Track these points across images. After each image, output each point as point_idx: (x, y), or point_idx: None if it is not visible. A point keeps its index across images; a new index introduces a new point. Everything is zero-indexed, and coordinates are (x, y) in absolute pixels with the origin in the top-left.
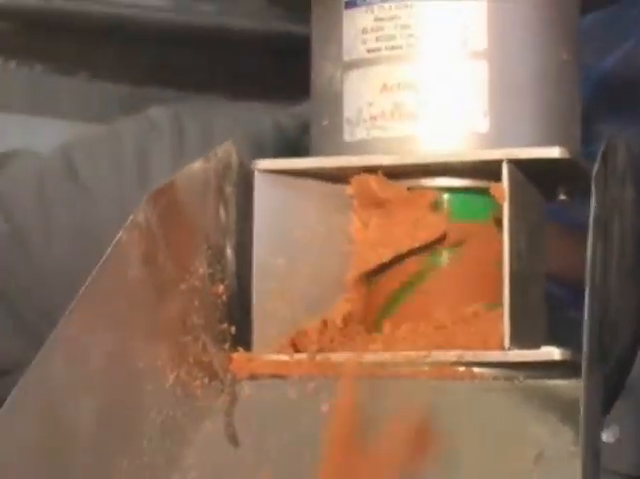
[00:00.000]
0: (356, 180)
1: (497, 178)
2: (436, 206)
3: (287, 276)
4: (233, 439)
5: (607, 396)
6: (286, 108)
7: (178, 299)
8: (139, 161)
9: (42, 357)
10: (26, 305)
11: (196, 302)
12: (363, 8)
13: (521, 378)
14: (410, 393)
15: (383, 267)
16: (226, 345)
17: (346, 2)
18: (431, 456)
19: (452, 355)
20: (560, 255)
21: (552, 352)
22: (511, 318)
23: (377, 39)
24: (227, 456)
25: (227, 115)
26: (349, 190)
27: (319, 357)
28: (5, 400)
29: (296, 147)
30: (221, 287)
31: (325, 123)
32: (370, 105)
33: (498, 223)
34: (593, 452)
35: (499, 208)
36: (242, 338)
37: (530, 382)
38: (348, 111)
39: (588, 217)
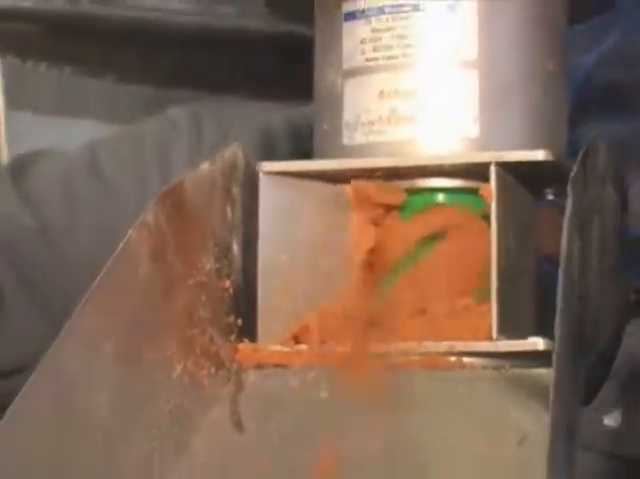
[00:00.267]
0: (353, 184)
1: (488, 179)
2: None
3: (290, 273)
4: (239, 425)
5: (590, 387)
6: (299, 108)
7: (186, 294)
8: (159, 159)
9: (56, 347)
10: (53, 296)
11: (204, 297)
12: (362, 20)
13: (508, 367)
14: (401, 383)
15: (379, 262)
16: (232, 337)
17: (345, 14)
18: (417, 442)
19: (443, 346)
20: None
21: (538, 343)
22: (499, 311)
23: (374, 49)
24: (233, 442)
25: (242, 114)
26: (348, 192)
27: (319, 348)
28: None
29: (308, 144)
30: (228, 282)
31: (326, 127)
32: (368, 111)
33: (489, 221)
34: (566, 436)
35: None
36: (248, 330)
37: (517, 371)
38: (347, 116)
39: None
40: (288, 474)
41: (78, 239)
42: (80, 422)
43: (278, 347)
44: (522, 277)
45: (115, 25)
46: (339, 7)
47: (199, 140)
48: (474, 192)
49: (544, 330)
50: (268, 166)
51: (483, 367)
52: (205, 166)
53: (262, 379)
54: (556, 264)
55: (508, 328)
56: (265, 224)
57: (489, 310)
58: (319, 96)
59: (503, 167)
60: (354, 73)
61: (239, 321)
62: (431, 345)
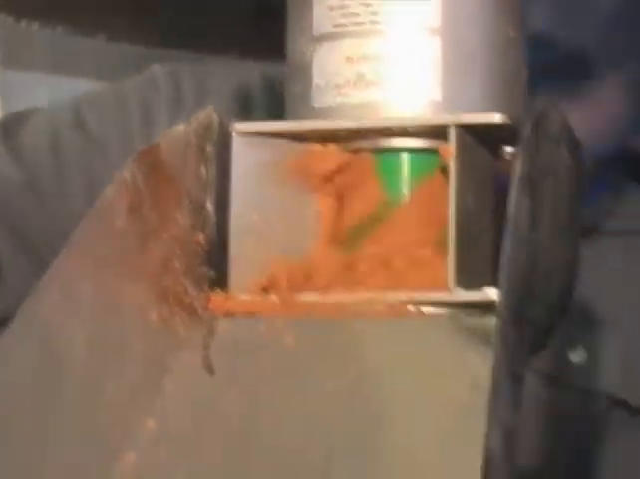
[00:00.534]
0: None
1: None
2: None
3: (261, 229)
4: (210, 369)
5: (541, 335)
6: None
7: (161, 246)
8: (141, 112)
9: (38, 292)
10: (43, 246)
11: (178, 249)
12: None
13: (463, 317)
14: (362, 332)
15: (344, 217)
16: (206, 287)
17: None
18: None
19: (403, 296)
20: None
21: (491, 294)
22: (456, 264)
23: (343, 15)
24: (204, 384)
25: (220, 71)
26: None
27: (285, 299)
28: None
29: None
30: (201, 236)
31: (297, 89)
32: (336, 74)
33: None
34: (512, 378)
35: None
36: (220, 282)
37: (471, 320)
38: (317, 79)
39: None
40: (256, 413)
41: (66, 190)
42: (60, 360)
43: (248, 297)
44: (480, 233)
45: None
46: None
47: (179, 95)
48: (435, 151)
49: None
50: (241, 126)
51: (440, 316)
52: (181, 126)
53: (232, 327)
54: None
55: (465, 281)
56: (238, 181)
57: (447, 264)
58: (291, 60)
59: (463, 128)
60: (323, 39)
61: (212, 273)
62: (391, 295)
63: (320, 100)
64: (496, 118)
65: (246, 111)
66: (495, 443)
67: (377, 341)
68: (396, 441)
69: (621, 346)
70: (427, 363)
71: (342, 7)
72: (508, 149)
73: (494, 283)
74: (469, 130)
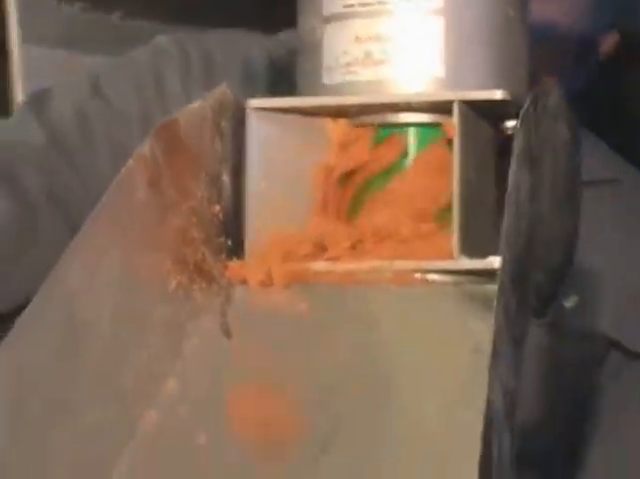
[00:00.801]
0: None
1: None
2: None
3: (274, 199)
4: (227, 333)
5: (542, 299)
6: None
7: (180, 218)
8: (154, 79)
9: (62, 262)
10: (76, 209)
11: (196, 220)
12: None
13: (467, 284)
14: (372, 299)
15: (352, 187)
16: (223, 256)
17: None
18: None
19: (410, 264)
20: None
21: (494, 262)
22: (460, 234)
23: None
24: (221, 347)
25: (221, 42)
26: (325, 126)
27: (298, 266)
28: None
29: (285, 73)
30: (218, 207)
31: (307, 67)
32: (345, 53)
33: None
34: (512, 341)
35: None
36: (237, 250)
37: (475, 287)
38: (327, 58)
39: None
40: (272, 374)
41: (94, 154)
42: (84, 329)
43: (262, 265)
44: (482, 204)
45: None
46: None
47: (187, 63)
48: (438, 126)
49: None
50: (254, 102)
51: (445, 284)
52: (197, 103)
53: (248, 293)
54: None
55: (469, 250)
56: (251, 154)
57: (452, 234)
58: (302, 40)
59: (466, 104)
60: (333, 19)
61: (229, 242)
62: (399, 264)
63: (330, 77)
64: (498, 94)
65: (249, 83)
66: (497, 404)
67: (385, 308)
68: (402, 405)
69: (611, 290)
70: (432, 329)
71: None
72: (509, 124)
73: (497, 252)
74: (471, 106)
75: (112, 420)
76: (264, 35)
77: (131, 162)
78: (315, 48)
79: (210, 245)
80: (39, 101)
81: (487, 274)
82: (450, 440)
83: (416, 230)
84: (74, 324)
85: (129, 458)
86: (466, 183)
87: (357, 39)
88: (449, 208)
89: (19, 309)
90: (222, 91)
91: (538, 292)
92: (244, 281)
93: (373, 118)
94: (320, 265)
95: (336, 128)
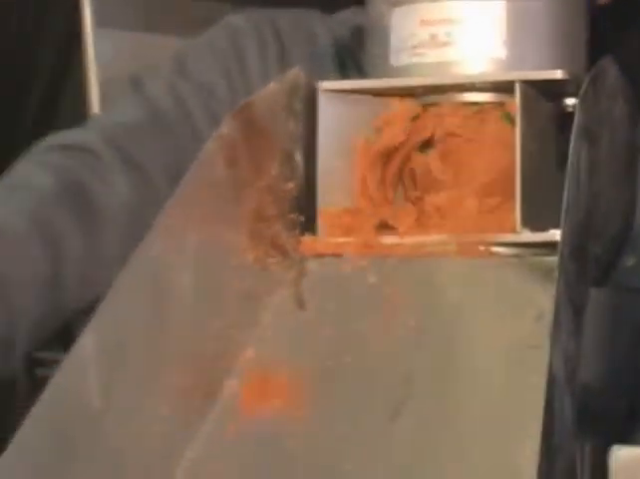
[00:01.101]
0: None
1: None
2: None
3: (345, 176)
4: (300, 304)
5: (602, 270)
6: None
7: (256, 194)
8: (236, 59)
9: (145, 243)
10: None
11: (271, 197)
12: None
13: (529, 255)
14: (437, 269)
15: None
16: (296, 231)
17: None
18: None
19: (475, 237)
20: None
21: (555, 234)
22: (523, 208)
23: None
24: (296, 317)
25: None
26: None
27: (369, 240)
28: None
29: (349, 51)
30: (291, 185)
31: (376, 50)
32: (411, 36)
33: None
34: (572, 310)
35: None
36: (309, 226)
37: (537, 259)
38: (394, 41)
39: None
40: (346, 342)
41: (193, 126)
42: (168, 300)
43: (334, 239)
44: (544, 179)
45: None
46: None
47: (263, 39)
48: (501, 105)
49: None
50: (326, 84)
51: (508, 256)
52: (271, 86)
53: (320, 266)
54: None
55: (531, 223)
56: (323, 134)
57: (515, 207)
58: (370, 24)
59: (527, 84)
60: (400, 3)
61: (302, 218)
62: (464, 237)
63: (397, 59)
64: (558, 74)
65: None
66: (558, 368)
67: (451, 278)
68: (469, 368)
69: None
70: (496, 297)
71: None
72: (569, 101)
73: (558, 225)
74: (532, 85)
75: (194, 386)
76: (324, 15)
77: (210, 142)
78: (383, 32)
79: (284, 221)
80: (137, 82)
81: (549, 246)
82: (514, 402)
83: (480, 204)
84: (159, 295)
85: (211, 425)
86: (528, 158)
87: (423, 22)
88: (511, 183)
89: None
90: (295, 73)
91: (598, 262)
92: (317, 255)
93: (439, 97)
94: (389, 239)
95: (403, 107)
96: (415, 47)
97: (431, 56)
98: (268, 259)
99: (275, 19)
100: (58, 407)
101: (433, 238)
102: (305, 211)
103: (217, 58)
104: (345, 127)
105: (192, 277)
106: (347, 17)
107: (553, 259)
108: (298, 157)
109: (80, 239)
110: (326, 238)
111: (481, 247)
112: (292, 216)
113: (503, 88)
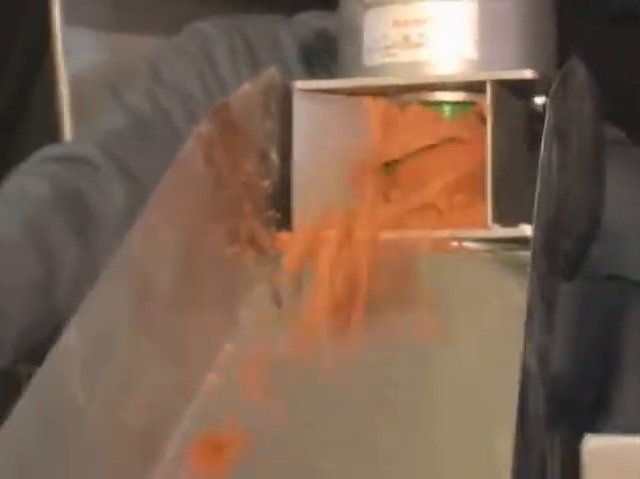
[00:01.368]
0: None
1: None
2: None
3: (319, 175)
4: (277, 301)
5: (571, 263)
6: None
7: (233, 191)
8: (209, 65)
9: (127, 240)
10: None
11: (247, 194)
12: None
13: (501, 251)
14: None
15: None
16: (273, 228)
17: None
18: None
19: (447, 233)
20: None
21: (526, 230)
22: (493, 204)
23: None
24: (273, 313)
25: (254, 23)
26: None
27: (343, 237)
28: None
29: (312, 53)
30: (267, 183)
31: (349, 50)
32: (384, 37)
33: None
34: (545, 304)
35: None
36: (285, 223)
37: (508, 253)
38: (367, 41)
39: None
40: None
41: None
42: (150, 296)
43: (309, 236)
44: (515, 175)
45: None
46: None
47: (234, 47)
48: (472, 104)
49: None
50: (301, 84)
51: (479, 251)
52: (247, 86)
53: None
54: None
55: (502, 219)
56: (298, 133)
57: (486, 204)
58: (343, 24)
59: (498, 83)
60: (373, 5)
61: (278, 215)
62: (437, 233)
63: (371, 59)
64: (528, 74)
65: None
66: (531, 361)
67: (425, 274)
68: (444, 361)
69: (633, 239)
70: (469, 292)
71: None
72: (539, 100)
73: (529, 220)
74: (503, 84)
75: (174, 380)
76: (286, 18)
77: (189, 141)
78: (356, 32)
79: (261, 218)
80: (117, 90)
81: (520, 242)
82: (488, 397)
83: (452, 201)
84: (140, 290)
85: (189, 420)
86: (498, 156)
87: (395, 23)
88: (482, 180)
89: None
90: (271, 73)
91: (567, 258)
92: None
93: (411, 97)
94: (364, 235)
95: (376, 106)
96: (388, 47)
97: (404, 56)
98: (245, 256)
99: (241, 24)
100: (44, 398)
101: (407, 234)
102: (281, 208)
103: (189, 62)
104: (319, 126)
105: (172, 273)
106: (308, 19)
107: (525, 254)
108: (274, 155)
109: (75, 248)
110: (301, 234)
111: (454, 244)
112: (269, 213)
113: (476, 87)
